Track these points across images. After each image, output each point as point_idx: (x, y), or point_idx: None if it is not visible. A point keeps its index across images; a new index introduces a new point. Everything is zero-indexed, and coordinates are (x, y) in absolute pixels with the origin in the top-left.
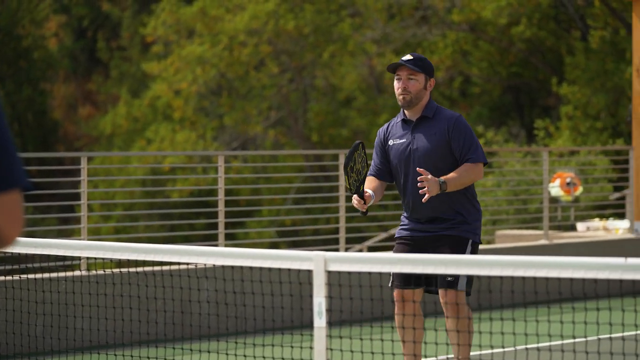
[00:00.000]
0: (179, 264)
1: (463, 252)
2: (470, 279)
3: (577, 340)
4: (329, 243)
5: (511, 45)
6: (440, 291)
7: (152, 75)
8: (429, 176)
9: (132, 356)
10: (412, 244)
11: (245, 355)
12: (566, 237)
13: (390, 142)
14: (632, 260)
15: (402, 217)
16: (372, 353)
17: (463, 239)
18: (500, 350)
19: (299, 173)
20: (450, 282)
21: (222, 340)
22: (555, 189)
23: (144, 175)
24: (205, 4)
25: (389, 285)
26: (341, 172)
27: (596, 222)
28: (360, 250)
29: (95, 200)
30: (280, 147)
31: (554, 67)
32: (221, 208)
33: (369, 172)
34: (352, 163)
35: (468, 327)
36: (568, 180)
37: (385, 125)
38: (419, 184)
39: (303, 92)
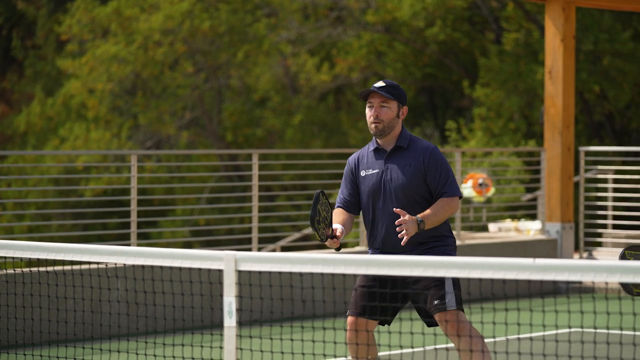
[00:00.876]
0: (89, 263)
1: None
2: (458, 296)
3: (485, 340)
4: (243, 243)
5: (425, 47)
6: (436, 317)
7: (66, 73)
8: (407, 216)
9: (41, 356)
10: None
11: (155, 355)
12: (478, 238)
13: (363, 173)
14: (540, 261)
15: (368, 251)
16: (282, 353)
17: None
18: (409, 350)
19: (213, 173)
20: (438, 305)
21: (133, 340)
22: (467, 189)
23: (58, 174)
24: (120, 4)
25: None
26: (255, 172)
27: (508, 223)
28: (274, 250)
29: (9, 199)
30: (195, 146)
31: (468, 69)
32: (134, 207)
33: (336, 204)
34: (317, 216)
35: (471, 346)
36: (480, 181)
37: (356, 155)
38: (397, 228)
39: (218, 92)
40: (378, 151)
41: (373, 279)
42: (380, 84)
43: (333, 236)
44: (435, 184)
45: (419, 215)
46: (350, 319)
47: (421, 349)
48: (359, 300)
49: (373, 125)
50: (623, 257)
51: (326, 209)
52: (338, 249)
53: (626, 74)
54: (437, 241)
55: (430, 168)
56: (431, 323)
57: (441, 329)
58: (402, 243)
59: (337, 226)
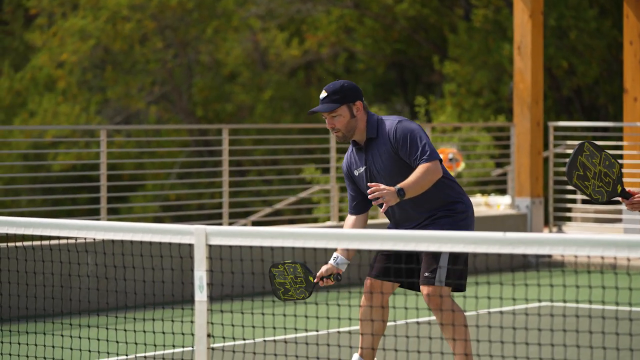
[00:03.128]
0: (59, 238)
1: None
2: (450, 271)
3: None
4: (213, 218)
5: (395, 23)
6: (421, 289)
7: (35, 47)
8: (381, 186)
9: (10, 331)
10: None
11: (126, 330)
12: None
13: (355, 173)
14: (510, 235)
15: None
16: (253, 327)
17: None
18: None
19: (184, 148)
20: (427, 278)
21: (103, 315)
22: None
23: (27, 149)
24: None
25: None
26: (225, 147)
27: (478, 198)
28: (245, 225)
29: None
30: (164, 122)
31: (438, 45)
32: (104, 182)
33: (349, 212)
34: (281, 289)
35: (453, 320)
36: (450, 156)
37: (345, 158)
38: (369, 196)
39: (187, 68)
40: (358, 149)
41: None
42: (323, 94)
43: (317, 283)
44: (409, 157)
45: (398, 185)
46: (368, 280)
47: (403, 321)
48: (377, 264)
49: (335, 136)
50: (580, 148)
51: (289, 270)
52: (338, 280)
53: (594, 50)
54: (447, 209)
55: (397, 146)
56: (410, 287)
57: (424, 301)
58: (381, 210)
59: (330, 261)
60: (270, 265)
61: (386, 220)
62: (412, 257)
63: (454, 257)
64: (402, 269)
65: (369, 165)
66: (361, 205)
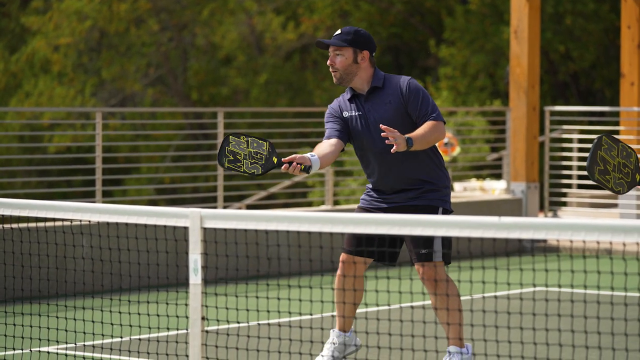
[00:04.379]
0: (54, 220)
1: None
2: (445, 243)
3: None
4: (208, 201)
5: (391, 6)
6: (416, 266)
7: (31, 30)
8: (396, 132)
9: (5, 312)
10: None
11: (120, 312)
12: None
13: (345, 114)
14: (505, 219)
15: (366, 186)
16: (247, 310)
17: (432, 208)
18: (375, 308)
19: (179, 131)
20: (424, 254)
21: (98, 297)
22: None
23: (22, 130)
24: None
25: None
26: (220, 130)
27: (473, 183)
28: (239, 209)
29: None
30: (160, 105)
31: (434, 29)
32: (99, 165)
33: (325, 136)
34: (229, 156)
35: (448, 305)
36: (445, 140)
37: (335, 102)
38: (383, 134)
39: (183, 51)
40: (356, 97)
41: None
42: (337, 32)
43: (280, 164)
44: (417, 112)
45: (407, 135)
46: (344, 255)
47: (397, 306)
48: (352, 238)
49: (332, 74)
50: (599, 142)
51: (253, 144)
52: (307, 171)
53: (590, 34)
54: (433, 183)
55: (410, 98)
56: (381, 261)
57: (420, 279)
58: (392, 150)
59: (306, 155)
60: (231, 133)
61: None
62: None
63: (444, 241)
64: (374, 240)
65: (366, 113)
66: (338, 136)
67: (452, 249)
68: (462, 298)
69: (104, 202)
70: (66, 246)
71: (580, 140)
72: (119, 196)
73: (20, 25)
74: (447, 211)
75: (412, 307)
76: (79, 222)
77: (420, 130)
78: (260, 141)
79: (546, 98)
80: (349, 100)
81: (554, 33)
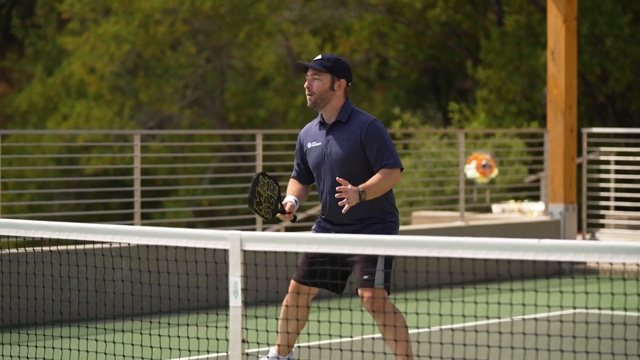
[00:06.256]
0: (93, 242)
1: (375, 255)
2: (387, 275)
3: (491, 321)
4: (246, 223)
5: (428, 28)
6: (359, 291)
7: (67, 51)
8: (349, 186)
9: (44, 335)
10: None
11: (160, 335)
12: (482, 219)
13: (308, 145)
14: (545, 242)
15: (319, 215)
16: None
17: None
18: (415, 331)
19: (216, 153)
20: (366, 280)
21: (138, 320)
22: (471, 170)
23: (59, 153)
24: None
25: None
26: (259, 152)
27: (511, 204)
28: (278, 231)
29: (10, 178)
30: (197, 127)
31: (470, 50)
32: (137, 187)
33: (292, 175)
34: (257, 198)
35: (396, 322)
36: (484, 162)
37: (306, 127)
38: (337, 195)
39: (220, 72)
40: (322, 124)
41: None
42: (317, 57)
43: (283, 211)
44: (373, 157)
45: (360, 186)
46: (294, 283)
47: (437, 328)
48: (304, 267)
49: (307, 97)
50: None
51: (271, 187)
52: (293, 220)
53: (627, 56)
54: (379, 217)
55: (367, 142)
56: (326, 287)
57: (363, 305)
58: (342, 211)
59: (288, 199)
60: (260, 172)
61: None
62: (336, 260)
63: (388, 261)
64: (327, 272)
65: (326, 145)
66: (303, 178)
67: (484, 273)
68: (502, 320)
69: (142, 224)
70: (105, 269)
71: (618, 162)
72: (157, 218)
73: (56, 48)
74: None
75: (452, 329)
76: (117, 245)
77: (373, 180)
78: (275, 185)
79: (583, 120)
80: (318, 124)
81: (590, 55)
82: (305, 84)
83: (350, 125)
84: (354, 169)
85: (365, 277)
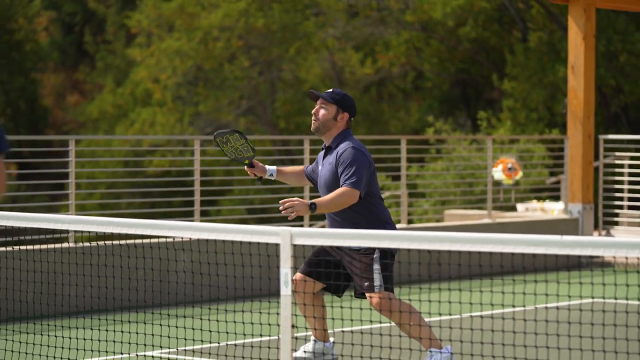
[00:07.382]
0: (158, 237)
1: (370, 262)
2: (386, 277)
3: (516, 309)
4: (294, 221)
5: (459, 44)
6: (367, 298)
7: (134, 62)
8: (295, 199)
9: (114, 320)
10: (334, 253)
11: (218, 320)
12: (507, 217)
13: (318, 167)
14: (567, 238)
15: None
16: (333, 319)
17: (368, 249)
18: (447, 317)
19: (268, 157)
20: (368, 287)
21: (197, 307)
22: (498, 173)
23: (127, 156)
24: (183, 1)
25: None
26: (306, 156)
27: (534, 204)
28: (323, 227)
29: (82, 179)
30: (251, 133)
31: (497, 64)
32: (197, 187)
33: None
34: (222, 138)
35: (410, 320)
36: (509, 165)
37: (322, 151)
38: (281, 207)
39: (271, 84)
40: (323, 149)
41: (325, 251)
42: (329, 90)
43: (251, 165)
44: (341, 177)
45: (314, 200)
46: (299, 274)
47: (468, 314)
48: (310, 262)
49: (312, 122)
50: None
51: (244, 147)
52: (259, 180)
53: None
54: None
55: (338, 164)
56: (359, 296)
57: (373, 306)
58: (288, 218)
59: (269, 165)
60: (240, 131)
61: None
62: (339, 265)
63: (383, 266)
64: (332, 274)
65: (321, 168)
66: (310, 176)
67: (511, 265)
68: (526, 308)
69: (201, 220)
70: (168, 261)
71: (631, 166)
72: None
73: (125, 61)
74: (384, 252)
75: (481, 317)
76: (179, 239)
77: (329, 195)
78: (250, 147)
79: (599, 128)
80: (324, 150)
81: (606, 69)
82: (313, 110)
83: (335, 150)
84: (333, 190)
85: (366, 283)
